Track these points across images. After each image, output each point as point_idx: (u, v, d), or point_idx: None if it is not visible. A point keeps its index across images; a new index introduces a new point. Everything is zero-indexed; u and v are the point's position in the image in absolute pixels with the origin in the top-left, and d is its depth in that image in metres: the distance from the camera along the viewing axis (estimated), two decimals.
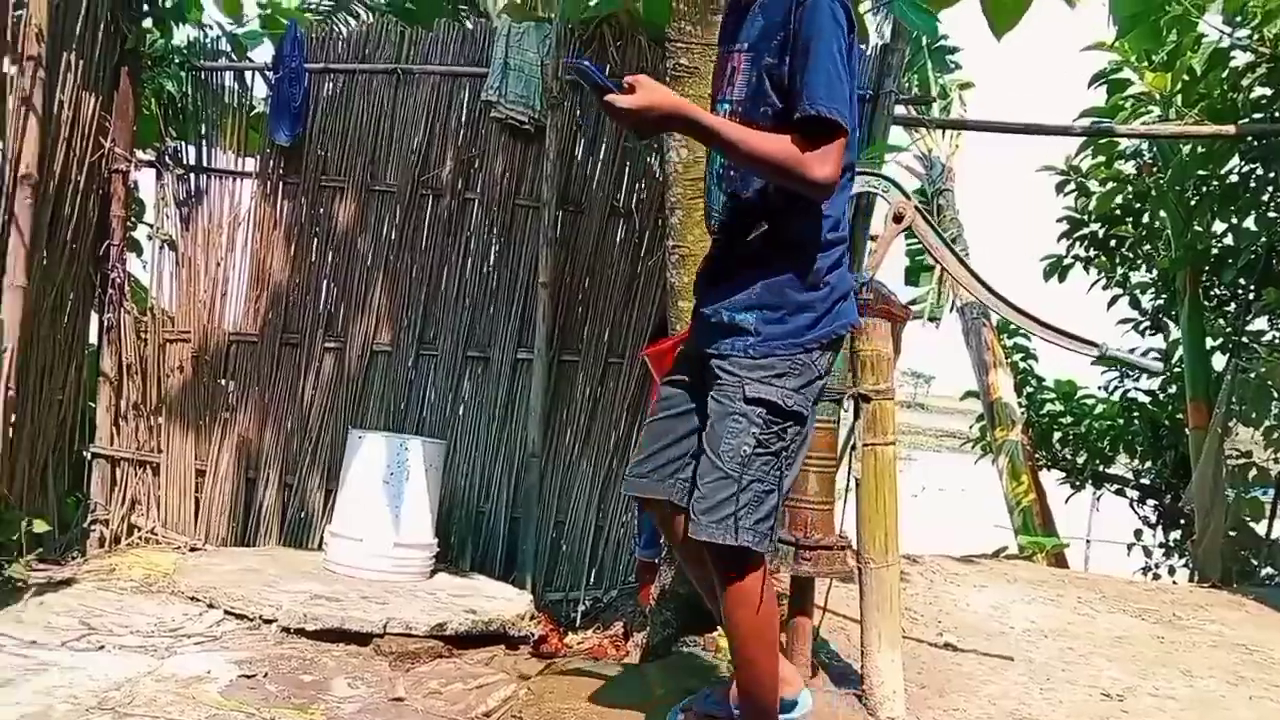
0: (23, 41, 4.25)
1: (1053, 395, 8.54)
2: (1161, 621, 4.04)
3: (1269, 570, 5.87)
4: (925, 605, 3.87)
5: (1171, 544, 7.40)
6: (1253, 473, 6.02)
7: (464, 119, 5.12)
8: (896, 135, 6.28)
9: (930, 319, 8.80)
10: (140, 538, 5.07)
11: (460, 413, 5.11)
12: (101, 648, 3.36)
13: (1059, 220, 7.51)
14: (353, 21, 7.85)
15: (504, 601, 4.24)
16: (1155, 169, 6.73)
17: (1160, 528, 7.56)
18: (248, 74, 5.36)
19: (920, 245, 2.90)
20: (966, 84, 8.22)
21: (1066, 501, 8.41)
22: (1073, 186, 7.34)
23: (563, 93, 4.91)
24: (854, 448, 2.71)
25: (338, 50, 5.18)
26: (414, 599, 4.10)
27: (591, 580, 4.92)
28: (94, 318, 5.08)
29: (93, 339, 5.11)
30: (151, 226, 5.26)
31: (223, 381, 5.22)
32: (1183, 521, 7.20)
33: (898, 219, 2.78)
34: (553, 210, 4.94)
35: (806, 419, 2.17)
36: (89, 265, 4.94)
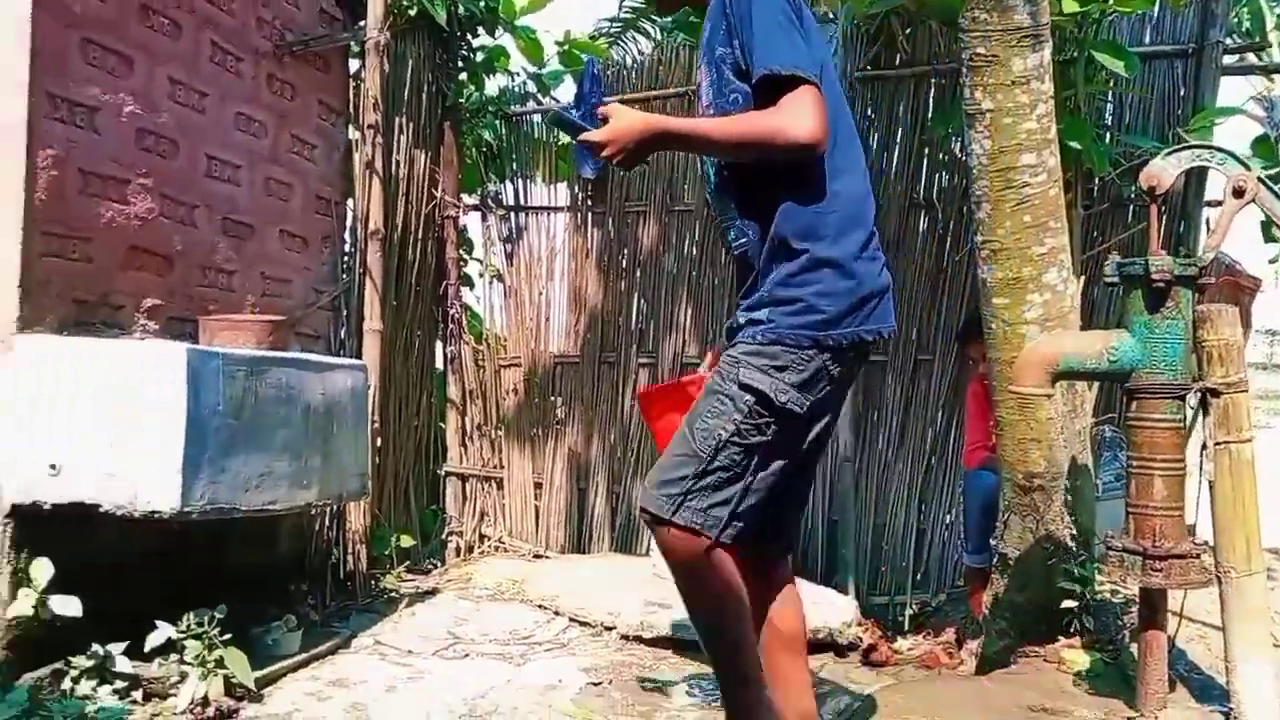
0: (363, 112, 4.78)
1: None
2: None
3: None
4: None
5: None
6: None
7: None
8: (1232, 92, 5.64)
9: None
10: (490, 546, 5.57)
11: None
12: (466, 655, 3.72)
13: None
14: (641, 40, 8.14)
15: (829, 607, 4.24)
16: None
17: None
18: None
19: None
20: None
21: None
22: None
23: (853, 88, 4.83)
24: (1204, 447, 2.50)
25: (631, 80, 5.43)
26: None
27: (916, 584, 4.80)
28: (438, 349, 5.64)
29: (438, 367, 5.67)
30: (480, 263, 5.77)
31: (552, 400, 5.62)
32: None
33: (1238, 193, 2.52)
34: None
35: (800, 420, 2.04)
36: (431, 304, 5.49)
